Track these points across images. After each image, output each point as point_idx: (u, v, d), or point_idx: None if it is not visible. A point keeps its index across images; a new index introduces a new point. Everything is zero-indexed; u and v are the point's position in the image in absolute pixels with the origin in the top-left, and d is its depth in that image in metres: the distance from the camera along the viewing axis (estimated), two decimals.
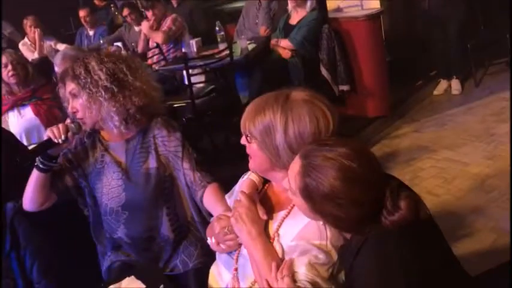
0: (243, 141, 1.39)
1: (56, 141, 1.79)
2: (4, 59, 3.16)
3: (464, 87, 5.00)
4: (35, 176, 1.85)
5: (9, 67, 3.14)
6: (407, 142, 4.20)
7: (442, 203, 3.20)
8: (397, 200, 1.14)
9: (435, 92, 5.03)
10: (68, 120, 1.98)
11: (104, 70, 1.83)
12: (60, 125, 1.81)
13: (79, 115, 1.87)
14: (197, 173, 1.87)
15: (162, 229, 1.93)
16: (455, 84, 4.96)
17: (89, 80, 1.83)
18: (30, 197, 1.88)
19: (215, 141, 4.23)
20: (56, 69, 2.84)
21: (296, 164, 1.22)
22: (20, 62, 3.21)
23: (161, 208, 1.93)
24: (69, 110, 1.90)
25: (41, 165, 1.82)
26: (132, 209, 1.90)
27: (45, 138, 1.82)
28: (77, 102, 1.85)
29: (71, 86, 1.86)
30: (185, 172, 1.88)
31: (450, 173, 3.56)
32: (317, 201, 1.18)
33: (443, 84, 5.03)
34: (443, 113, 4.60)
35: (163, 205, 1.93)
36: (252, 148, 1.37)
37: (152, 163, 1.90)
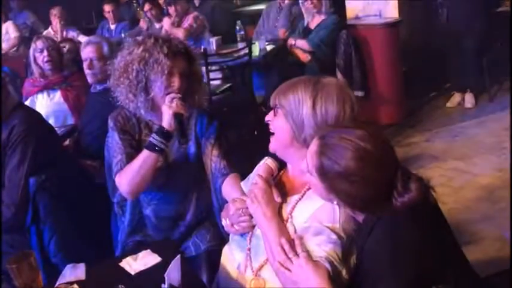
0: (268, 116, 1.48)
1: (185, 115, 1.84)
2: (41, 44, 3.26)
3: (478, 101, 5.03)
4: (152, 159, 1.82)
5: (45, 53, 3.24)
6: (417, 151, 4.24)
7: (448, 211, 3.18)
8: (407, 182, 1.21)
9: (448, 104, 5.07)
10: None
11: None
12: (179, 101, 1.83)
13: (182, 91, 1.87)
14: (223, 161, 1.94)
15: (188, 213, 2.02)
16: (469, 98, 4.99)
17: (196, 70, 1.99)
18: (146, 182, 1.86)
19: (228, 138, 4.30)
20: (82, 54, 2.92)
21: (313, 145, 1.29)
22: (54, 48, 3.31)
23: (192, 193, 2.02)
24: (173, 85, 1.87)
25: (162, 146, 1.82)
26: (167, 191, 1.99)
27: (169, 117, 1.82)
28: (184, 82, 1.88)
29: (185, 67, 1.90)
30: (212, 158, 1.94)
31: (459, 182, 3.59)
32: (332, 180, 1.24)
33: (456, 97, 5.07)
34: (456, 124, 4.64)
35: (194, 190, 2.02)
36: (277, 121, 1.45)
37: (192, 148, 1.98)
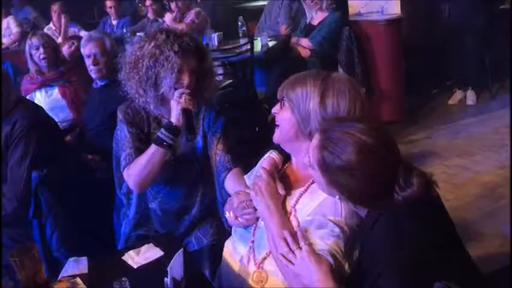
0: (275, 109, 1.48)
1: (194, 110, 1.85)
2: (36, 41, 3.22)
3: (480, 98, 5.03)
4: (160, 154, 1.83)
5: (41, 50, 3.21)
6: (419, 148, 4.24)
7: (450, 208, 3.17)
8: (409, 177, 1.20)
9: (450, 102, 5.07)
10: None
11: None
12: (188, 97, 1.82)
13: (191, 88, 1.86)
14: (228, 155, 1.93)
15: (194, 208, 2.02)
16: (471, 95, 4.99)
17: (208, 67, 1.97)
18: (153, 176, 1.86)
19: (230, 134, 4.29)
20: (82, 50, 2.91)
21: (315, 139, 1.29)
22: (50, 45, 3.28)
23: (198, 188, 2.02)
24: (183, 82, 1.86)
25: (170, 142, 1.82)
26: (173, 185, 1.99)
27: (177, 113, 1.81)
28: (194, 79, 1.87)
29: (195, 64, 1.88)
30: (217, 152, 1.94)
31: (460, 179, 3.59)
32: (333, 174, 1.24)
33: (458, 95, 5.07)
34: (457, 122, 4.65)
35: (200, 185, 2.02)
36: (283, 114, 1.45)
37: (199, 143, 1.98)
